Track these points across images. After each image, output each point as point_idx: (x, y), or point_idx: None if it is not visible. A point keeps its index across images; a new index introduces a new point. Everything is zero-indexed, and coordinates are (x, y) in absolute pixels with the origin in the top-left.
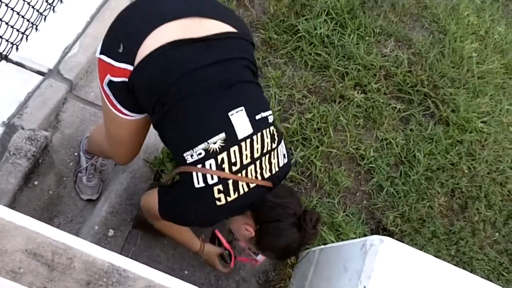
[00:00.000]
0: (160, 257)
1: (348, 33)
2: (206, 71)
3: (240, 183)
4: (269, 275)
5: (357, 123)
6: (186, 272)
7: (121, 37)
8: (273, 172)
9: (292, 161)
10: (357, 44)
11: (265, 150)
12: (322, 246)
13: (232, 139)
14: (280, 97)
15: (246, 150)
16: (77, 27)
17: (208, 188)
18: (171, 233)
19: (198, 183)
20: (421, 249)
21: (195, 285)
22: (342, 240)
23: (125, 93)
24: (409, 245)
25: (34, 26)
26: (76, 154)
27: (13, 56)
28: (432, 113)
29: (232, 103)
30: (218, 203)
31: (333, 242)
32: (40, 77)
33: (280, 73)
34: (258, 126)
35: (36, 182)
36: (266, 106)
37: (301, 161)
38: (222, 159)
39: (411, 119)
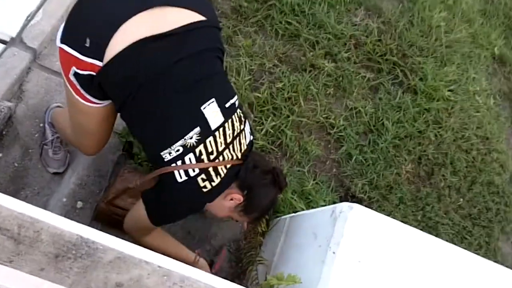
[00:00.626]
0: None
1: (318, 1)
2: (176, 68)
3: (219, 168)
4: (240, 244)
5: (327, 92)
6: None
7: (87, 29)
8: (243, 150)
9: (263, 131)
10: (328, 12)
11: (235, 134)
12: (293, 214)
13: (206, 131)
14: (251, 66)
15: (220, 138)
16: None
17: (192, 179)
18: (161, 249)
19: (181, 177)
20: (388, 215)
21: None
22: (312, 208)
23: (90, 85)
24: (377, 212)
25: None
26: (41, 125)
27: None
28: (400, 82)
29: (204, 96)
30: (204, 190)
31: (303, 210)
32: (2, 46)
33: (251, 42)
34: (228, 113)
35: (0, 155)
36: (233, 92)
37: (271, 130)
38: (200, 151)
39: (380, 88)
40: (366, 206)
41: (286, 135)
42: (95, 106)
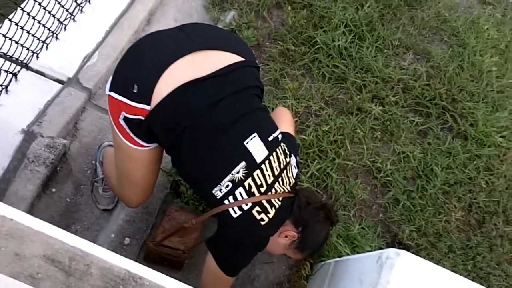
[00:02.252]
0: None
1: (366, 45)
2: (218, 107)
3: (272, 200)
4: (283, 286)
5: (374, 135)
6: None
7: (133, 77)
8: (291, 184)
9: (308, 173)
10: (375, 56)
11: (282, 166)
12: (338, 259)
13: (252, 165)
14: (297, 108)
15: (267, 171)
16: (97, 37)
17: (247, 213)
18: None
19: (235, 213)
20: (437, 264)
21: None
22: (358, 253)
23: (140, 128)
24: (425, 259)
25: (55, 35)
26: (93, 162)
27: (33, 64)
28: (450, 127)
29: (246, 132)
30: (262, 223)
31: (348, 254)
32: (60, 86)
33: (298, 84)
34: (272, 146)
35: (54, 189)
36: (275, 127)
37: (317, 173)
38: (249, 184)
39: (429, 133)
40: (413, 253)
41: (332, 178)
42: (142, 149)
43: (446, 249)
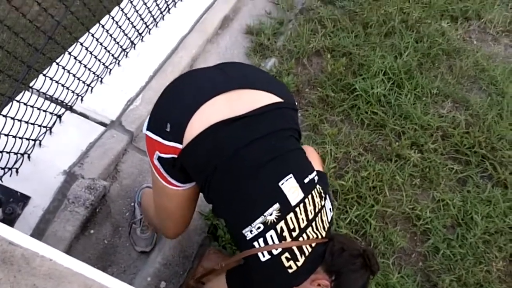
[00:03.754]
0: None
1: (405, 93)
2: (252, 148)
3: (303, 246)
4: None
5: (413, 182)
6: None
7: (167, 115)
8: (326, 228)
9: (347, 220)
10: (414, 104)
11: (317, 210)
12: None
13: (286, 207)
14: (336, 154)
15: (301, 214)
16: (140, 81)
17: (275, 258)
18: None
19: (264, 256)
20: None
21: None
22: None
23: (174, 168)
24: None
25: (100, 79)
26: (132, 204)
27: (77, 107)
28: (490, 175)
29: (281, 173)
30: (290, 271)
31: None
32: (103, 128)
33: (337, 130)
34: (308, 188)
35: (92, 231)
36: (311, 168)
37: (355, 219)
38: (281, 228)
39: (468, 181)
40: None
41: (371, 224)
42: (177, 189)
43: None
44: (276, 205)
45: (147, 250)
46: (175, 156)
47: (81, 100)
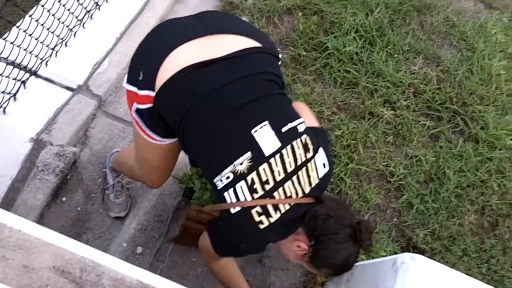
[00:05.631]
0: (189, 275)
1: (377, 50)
2: (225, 91)
3: (279, 204)
4: None
5: (387, 140)
6: None
7: (140, 64)
8: (313, 185)
9: None
10: (386, 61)
11: (299, 163)
12: None
13: (259, 157)
14: None
15: (277, 166)
16: (107, 43)
17: (245, 211)
18: (224, 279)
19: (234, 209)
20: (452, 267)
21: None
22: (373, 258)
23: (153, 119)
24: (440, 263)
25: (64, 42)
26: (104, 170)
27: (42, 71)
28: (461, 130)
29: (255, 119)
30: (261, 226)
31: (363, 260)
32: (69, 93)
33: (309, 89)
34: (286, 138)
35: (64, 198)
36: (294, 116)
37: (331, 179)
38: (252, 179)
39: (440, 136)
40: (428, 257)
41: (346, 183)
42: (157, 143)
43: (460, 253)
44: (248, 154)
45: (121, 215)
46: (151, 105)
47: (46, 64)
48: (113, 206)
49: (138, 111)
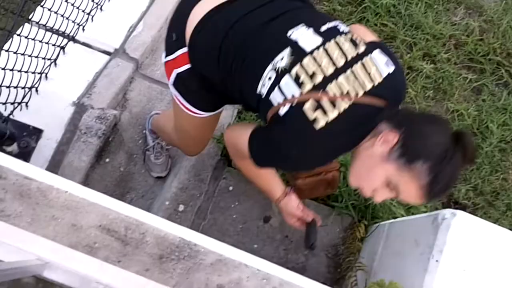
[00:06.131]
0: (229, 231)
1: (415, 1)
2: (255, 13)
3: (337, 100)
4: (338, 248)
5: (427, 94)
6: (255, 245)
7: (171, 29)
8: (376, 83)
9: None
10: (425, 13)
11: (349, 58)
12: (392, 220)
13: (300, 52)
14: None
15: (322, 59)
16: (141, 6)
17: (296, 109)
18: (253, 175)
19: (283, 107)
20: (495, 223)
21: (265, 258)
22: (413, 214)
23: (192, 85)
24: (483, 219)
25: (99, 6)
26: (144, 131)
27: (79, 37)
28: (505, 83)
29: (289, 24)
30: (317, 125)
31: (403, 216)
32: (107, 57)
33: None
34: (328, 35)
35: (107, 160)
36: (330, 19)
37: None
38: (297, 73)
39: (483, 89)
40: (470, 213)
41: None
42: (197, 116)
43: (504, 208)
44: (287, 50)
45: (162, 175)
46: (189, 65)
47: (83, 29)
48: (154, 166)
49: (177, 80)
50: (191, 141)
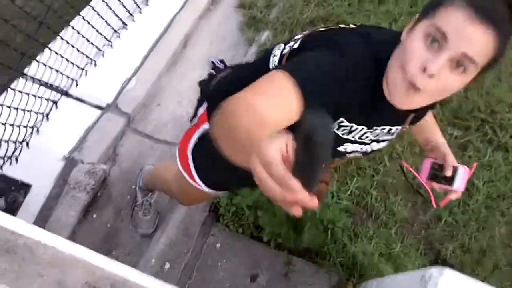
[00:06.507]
0: None
1: None
2: None
3: None
4: None
5: (413, 150)
6: None
7: None
8: None
9: (348, 191)
10: None
11: None
12: (380, 278)
13: None
14: None
15: None
16: (135, 62)
17: None
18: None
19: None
20: (483, 281)
21: None
22: (401, 271)
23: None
24: (470, 277)
25: (93, 62)
26: (133, 187)
27: (73, 91)
28: (490, 139)
29: None
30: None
31: (391, 273)
32: (99, 112)
33: None
34: None
35: (94, 215)
36: None
37: (356, 191)
38: None
39: (468, 146)
40: (458, 270)
41: (372, 195)
42: (201, 189)
43: (491, 266)
44: None
45: (149, 232)
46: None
47: (76, 84)
48: (142, 222)
49: (196, 146)
50: (191, 200)
